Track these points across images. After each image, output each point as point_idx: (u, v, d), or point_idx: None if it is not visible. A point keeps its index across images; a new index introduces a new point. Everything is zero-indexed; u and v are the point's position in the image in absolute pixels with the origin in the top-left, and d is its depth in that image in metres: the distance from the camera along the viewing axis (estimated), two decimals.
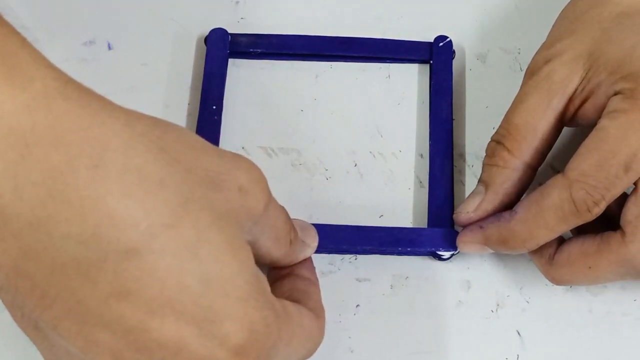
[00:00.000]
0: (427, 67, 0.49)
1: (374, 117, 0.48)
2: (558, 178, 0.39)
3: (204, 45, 0.49)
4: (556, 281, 0.42)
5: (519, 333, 0.43)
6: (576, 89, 0.41)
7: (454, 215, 0.43)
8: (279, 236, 0.37)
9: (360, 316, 0.43)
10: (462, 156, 0.47)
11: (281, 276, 0.40)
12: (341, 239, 0.43)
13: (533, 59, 0.43)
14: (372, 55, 0.49)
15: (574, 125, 0.42)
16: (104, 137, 0.30)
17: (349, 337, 0.42)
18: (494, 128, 0.43)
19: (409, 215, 0.46)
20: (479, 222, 0.42)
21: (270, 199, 0.35)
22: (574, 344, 0.42)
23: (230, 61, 0.49)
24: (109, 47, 0.49)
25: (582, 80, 0.41)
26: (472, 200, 0.42)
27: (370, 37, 0.49)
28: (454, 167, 0.46)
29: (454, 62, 0.49)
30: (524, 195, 0.42)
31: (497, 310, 0.43)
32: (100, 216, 0.29)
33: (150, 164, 0.30)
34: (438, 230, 0.44)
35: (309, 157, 0.47)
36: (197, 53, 0.49)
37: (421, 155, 0.47)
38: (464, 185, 0.46)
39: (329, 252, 0.44)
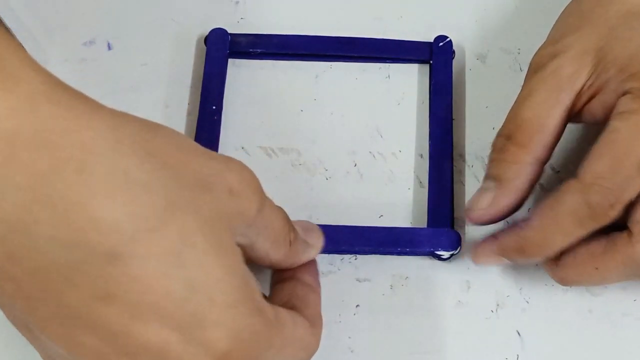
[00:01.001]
0: (427, 67, 0.49)
1: (374, 117, 0.48)
2: (572, 182, 0.39)
3: (204, 45, 0.49)
4: (563, 282, 0.41)
5: (519, 333, 0.43)
6: (584, 85, 0.41)
7: (465, 213, 0.42)
8: (277, 238, 0.37)
9: (360, 316, 0.43)
10: (462, 156, 0.47)
11: (283, 279, 0.39)
12: (341, 239, 0.43)
13: (537, 54, 0.43)
14: (372, 55, 0.49)
15: (578, 121, 0.42)
16: (90, 141, 0.29)
17: (349, 337, 0.42)
18: (494, 128, 0.43)
19: (408, 215, 0.46)
20: (493, 233, 0.41)
21: (263, 200, 0.35)
22: (574, 344, 0.42)
23: (230, 61, 0.49)
24: (109, 47, 0.49)
25: (590, 76, 0.41)
26: (484, 196, 0.41)
27: (370, 37, 0.49)
28: (454, 167, 0.46)
29: (454, 62, 0.49)
30: (531, 195, 0.42)
31: (497, 310, 0.43)
32: (84, 220, 0.29)
33: (137, 167, 0.30)
34: (438, 230, 0.44)
35: (309, 157, 0.47)
36: (197, 53, 0.49)
37: (421, 155, 0.47)
38: (463, 185, 0.46)
39: (329, 252, 0.44)
